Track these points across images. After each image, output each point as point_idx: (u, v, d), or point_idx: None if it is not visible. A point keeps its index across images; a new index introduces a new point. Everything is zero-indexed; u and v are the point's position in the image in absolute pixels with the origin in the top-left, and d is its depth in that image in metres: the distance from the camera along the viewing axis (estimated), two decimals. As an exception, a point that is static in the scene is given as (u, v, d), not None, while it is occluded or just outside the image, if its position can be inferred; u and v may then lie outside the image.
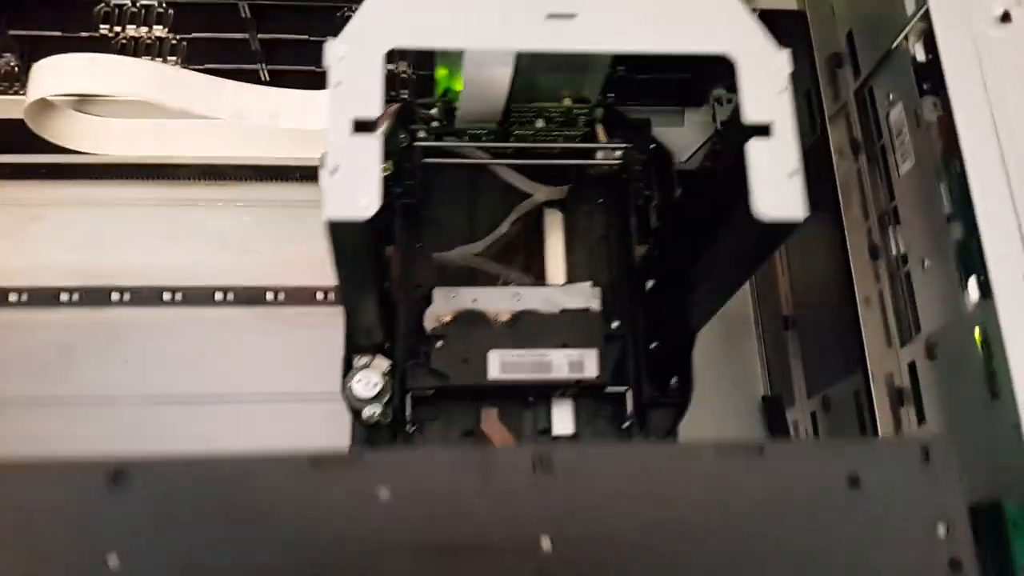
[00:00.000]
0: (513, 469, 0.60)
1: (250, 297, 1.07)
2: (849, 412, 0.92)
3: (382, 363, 0.85)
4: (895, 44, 0.84)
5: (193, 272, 1.06)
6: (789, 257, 1.03)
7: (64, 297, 1.00)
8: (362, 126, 0.59)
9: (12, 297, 0.99)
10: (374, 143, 0.58)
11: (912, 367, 0.84)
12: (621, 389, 0.89)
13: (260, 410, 1.00)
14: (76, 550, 0.57)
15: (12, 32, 0.95)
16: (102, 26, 0.95)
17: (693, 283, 0.78)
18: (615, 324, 0.90)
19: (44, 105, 0.92)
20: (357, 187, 0.57)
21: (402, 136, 0.92)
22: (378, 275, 0.76)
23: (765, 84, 0.62)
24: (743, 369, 1.05)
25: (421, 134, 0.93)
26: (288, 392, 1.03)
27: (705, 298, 0.77)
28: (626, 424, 0.90)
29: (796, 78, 0.94)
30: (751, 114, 0.61)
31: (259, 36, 0.99)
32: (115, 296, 1.00)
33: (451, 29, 0.62)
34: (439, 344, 0.86)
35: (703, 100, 1.07)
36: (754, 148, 0.61)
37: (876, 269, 0.89)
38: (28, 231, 1.03)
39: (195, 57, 1.00)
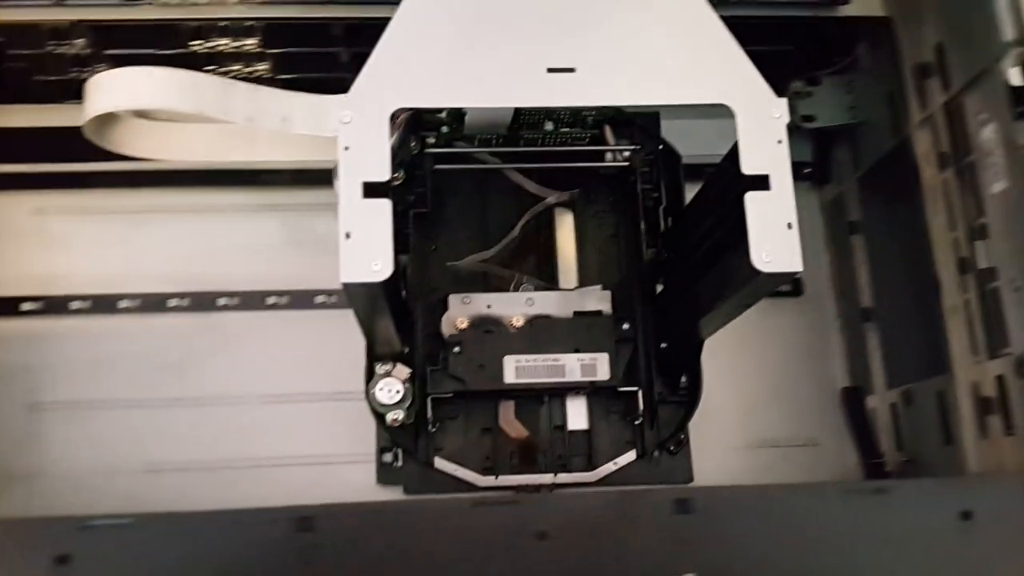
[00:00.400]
0: (657, 511, 0.66)
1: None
2: (931, 410, 0.93)
3: (403, 371, 0.89)
4: (990, 66, 0.84)
5: (297, 276, 1.08)
6: (869, 249, 1.04)
7: (173, 303, 1.03)
8: (372, 190, 0.61)
9: (123, 304, 1.02)
10: (385, 207, 0.61)
11: (1000, 379, 0.85)
12: (633, 389, 0.92)
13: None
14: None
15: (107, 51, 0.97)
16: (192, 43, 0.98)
17: (698, 299, 0.81)
18: (626, 326, 0.92)
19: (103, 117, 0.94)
20: (371, 251, 0.60)
21: (413, 144, 0.94)
22: (395, 307, 0.80)
23: (763, 134, 0.64)
24: (823, 360, 1.06)
25: (431, 141, 0.95)
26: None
27: (709, 316, 0.79)
28: (638, 421, 0.93)
29: (880, 82, 0.97)
30: (749, 166, 0.63)
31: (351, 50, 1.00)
32: (222, 301, 1.03)
33: (453, 89, 0.64)
34: (456, 350, 0.90)
35: (780, 92, 1.06)
36: (752, 200, 0.63)
37: (964, 282, 0.90)
38: (135, 238, 1.05)
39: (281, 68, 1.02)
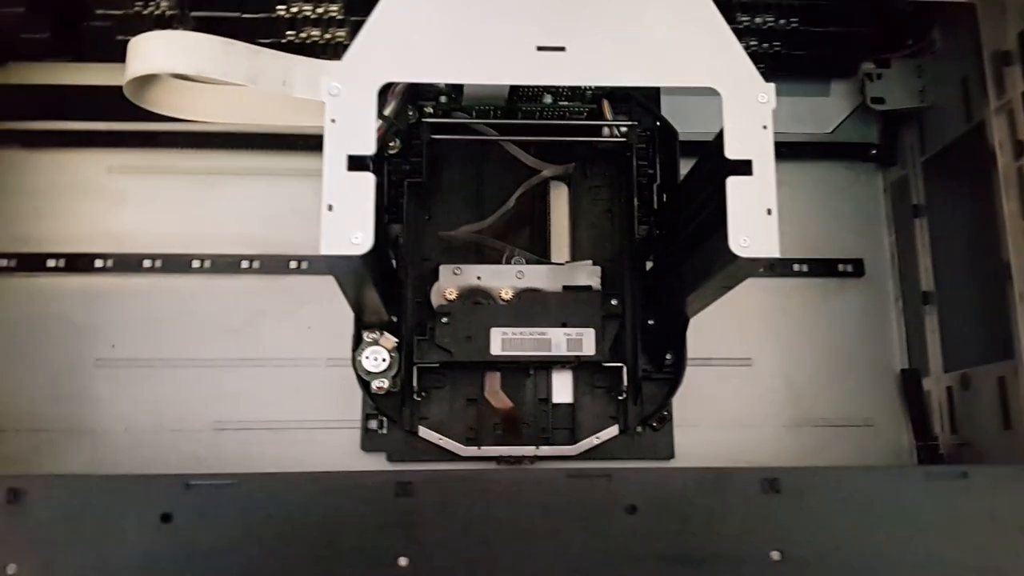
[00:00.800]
0: (745, 489, 0.68)
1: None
2: (990, 395, 0.93)
3: (390, 340, 0.90)
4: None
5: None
6: (932, 232, 1.04)
7: (245, 264, 1.04)
8: (357, 163, 0.62)
9: (195, 264, 1.03)
10: (369, 181, 0.61)
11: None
12: (618, 364, 0.93)
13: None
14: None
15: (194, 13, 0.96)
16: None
17: (683, 278, 0.81)
18: (614, 302, 0.93)
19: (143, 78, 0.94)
20: (352, 224, 0.61)
21: (411, 113, 0.95)
22: (382, 278, 0.80)
23: (749, 119, 0.64)
24: (882, 342, 1.06)
25: (429, 111, 0.95)
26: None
27: (693, 296, 0.80)
28: (621, 397, 0.94)
29: (954, 67, 0.97)
30: (733, 150, 0.63)
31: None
32: (293, 264, 1.04)
33: (443, 64, 0.64)
34: (444, 320, 0.91)
35: (849, 72, 1.08)
36: (733, 185, 0.63)
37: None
38: (208, 199, 1.06)
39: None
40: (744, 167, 0.63)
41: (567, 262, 0.96)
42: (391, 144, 0.94)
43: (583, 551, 0.66)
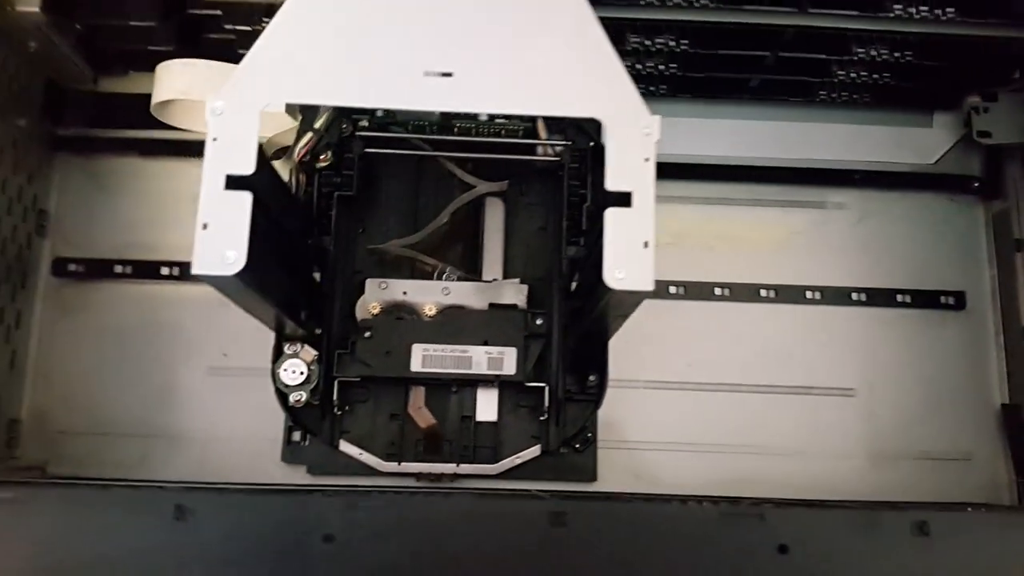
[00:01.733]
0: (897, 529, 0.70)
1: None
2: None
3: (309, 353, 0.91)
4: None
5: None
6: None
7: None
8: (235, 182, 0.62)
9: None
10: (245, 200, 0.62)
11: None
12: (539, 385, 0.93)
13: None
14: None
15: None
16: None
17: (590, 305, 0.81)
18: (539, 321, 0.93)
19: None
20: (226, 243, 0.61)
21: (344, 126, 0.95)
22: (282, 294, 0.81)
23: (632, 151, 0.64)
24: (983, 375, 1.06)
25: (364, 124, 0.96)
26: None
27: (590, 321, 0.80)
28: (543, 417, 0.94)
29: None
30: (614, 182, 0.63)
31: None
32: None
33: (328, 87, 0.65)
34: (367, 334, 0.91)
35: (953, 104, 1.10)
36: (612, 216, 0.63)
37: None
38: None
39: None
40: (624, 199, 0.63)
41: (495, 280, 0.96)
42: (322, 157, 0.94)
43: None
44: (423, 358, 0.91)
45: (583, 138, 0.97)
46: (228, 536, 0.66)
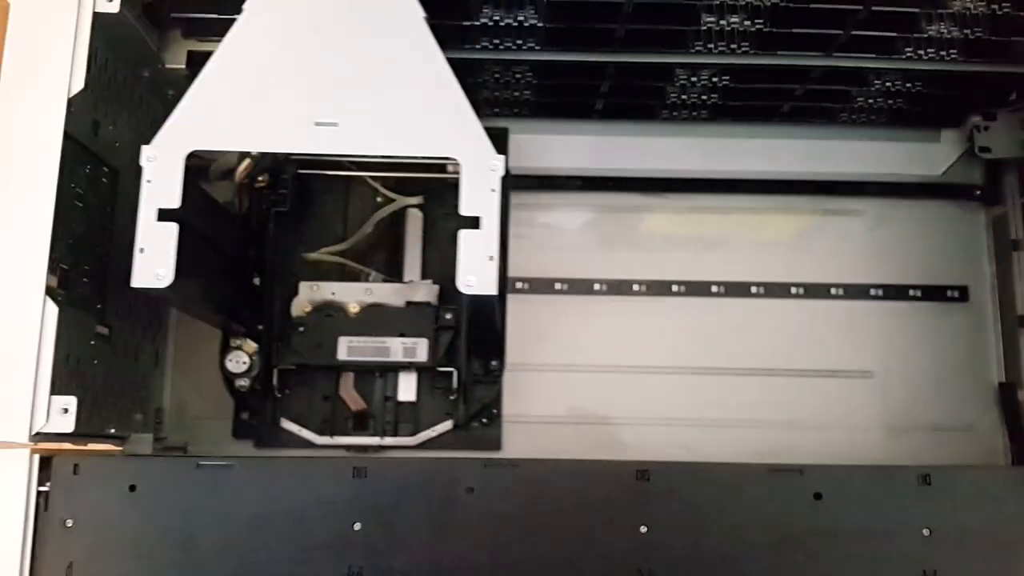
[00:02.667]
0: (905, 482, 0.86)
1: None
2: None
3: (251, 345, 1.07)
4: None
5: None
6: None
7: None
8: (165, 215, 0.78)
9: None
10: (172, 229, 0.78)
11: None
12: (449, 369, 1.10)
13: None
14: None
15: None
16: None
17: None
18: (448, 316, 1.09)
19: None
20: (157, 263, 0.78)
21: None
22: (213, 301, 0.98)
23: (481, 184, 0.80)
24: (983, 358, 1.20)
25: (297, 148, 1.12)
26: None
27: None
28: (453, 396, 1.11)
29: None
30: (466, 209, 0.79)
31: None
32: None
33: (239, 136, 0.81)
34: (301, 329, 1.08)
35: (958, 122, 1.24)
36: (464, 236, 0.79)
37: None
38: None
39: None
40: (474, 222, 0.79)
41: (412, 281, 1.12)
42: (260, 179, 1.11)
43: (775, 541, 0.84)
44: (348, 348, 1.07)
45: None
46: (394, 488, 0.83)
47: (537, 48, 1.03)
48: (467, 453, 1.12)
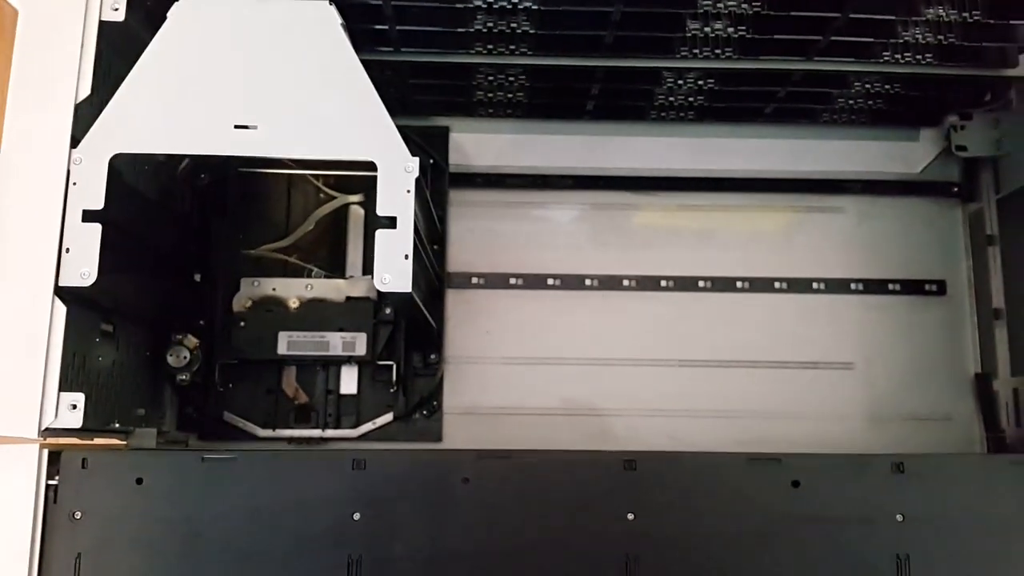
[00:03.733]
0: (880, 470, 0.89)
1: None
2: None
3: (192, 341, 1.09)
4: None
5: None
6: (1003, 259, 1.22)
7: None
8: (89, 216, 0.81)
9: None
10: (96, 229, 0.80)
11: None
12: (389, 363, 1.12)
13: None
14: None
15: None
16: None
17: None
18: (388, 310, 1.12)
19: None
20: (82, 262, 0.80)
21: (222, 151, 1.13)
22: (148, 297, 1.00)
23: (397, 185, 0.82)
24: (960, 350, 1.24)
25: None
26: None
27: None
28: (392, 389, 1.14)
29: None
30: (383, 209, 0.82)
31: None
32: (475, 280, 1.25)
33: (161, 140, 0.83)
34: (242, 324, 1.10)
35: (936, 121, 1.28)
36: (381, 235, 0.82)
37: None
38: None
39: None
40: (391, 222, 0.82)
41: (352, 276, 1.15)
42: (202, 176, 1.13)
43: (758, 527, 0.87)
44: (288, 343, 1.10)
45: (423, 155, 1.15)
46: (392, 479, 0.85)
47: (529, 53, 1.07)
48: (408, 445, 1.14)
